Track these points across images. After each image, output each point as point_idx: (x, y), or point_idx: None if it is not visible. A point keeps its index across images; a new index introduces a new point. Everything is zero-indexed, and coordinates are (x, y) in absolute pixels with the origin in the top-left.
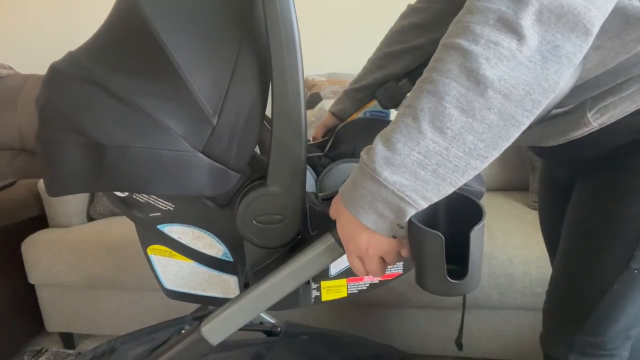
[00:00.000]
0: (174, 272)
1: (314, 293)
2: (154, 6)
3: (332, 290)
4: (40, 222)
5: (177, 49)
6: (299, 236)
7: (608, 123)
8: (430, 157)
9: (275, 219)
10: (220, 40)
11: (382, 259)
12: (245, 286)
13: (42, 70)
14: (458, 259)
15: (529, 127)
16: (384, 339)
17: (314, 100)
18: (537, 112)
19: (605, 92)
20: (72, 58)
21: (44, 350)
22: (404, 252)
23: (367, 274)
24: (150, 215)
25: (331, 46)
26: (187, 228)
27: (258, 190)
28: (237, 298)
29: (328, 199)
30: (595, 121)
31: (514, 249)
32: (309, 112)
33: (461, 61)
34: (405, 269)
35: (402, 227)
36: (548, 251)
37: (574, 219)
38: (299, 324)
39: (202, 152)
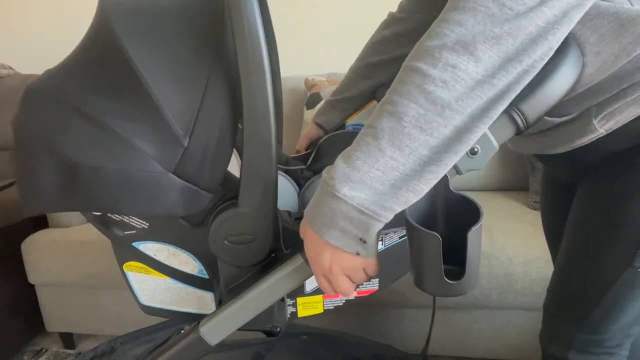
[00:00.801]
0: (150, 288)
1: (290, 309)
2: (126, 29)
3: (309, 307)
4: (40, 222)
5: (149, 71)
6: (273, 254)
7: (615, 128)
8: (388, 173)
9: (247, 239)
10: (191, 63)
11: (349, 278)
12: (219, 303)
13: (42, 70)
14: (456, 260)
15: (530, 136)
16: (384, 339)
17: (314, 100)
18: (494, 119)
19: (610, 99)
20: (48, 78)
21: (44, 350)
22: (370, 271)
23: (336, 294)
24: (125, 232)
25: (331, 46)
26: (162, 245)
27: (229, 210)
28: (236, 299)
29: (301, 218)
30: (602, 127)
31: (514, 249)
32: (309, 112)
33: (419, 83)
34: (381, 285)
35: (365, 242)
36: (550, 250)
37: (577, 217)
38: (299, 324)
39: (174, 173)
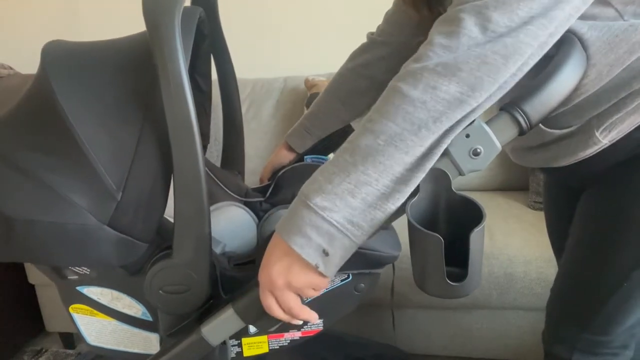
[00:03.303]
0: (97, 329)
1: (235, 349)
2: (62, 83)
3: (254, 347)
4: None
5: (82, 126)
6: (211, 300)
7: (617, 138)
8: (360, 187)
9: (181, 289)
10: (122, 119)
11: (297, 295)
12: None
13: None
14: (458, 261)
15: (533, 150)
16: (384, 339)
17: (313, 100)
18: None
19: (610, 109)
20: None
21: (44, 350)
22: (319, 288)
23: (282, 314)
24: (69, 278)
25: (331, 46)
26: (106, 289)
27: (163, 261)
28: (236, 299)
29: (239, 265)
30: (605, 138)
31: (514, 249)
32: None
33: (399, 104)
34: (326, 325)
35: (328, 255)
36: (554, 252)
37: (584, 218)
38: None
39: (108, 225)
